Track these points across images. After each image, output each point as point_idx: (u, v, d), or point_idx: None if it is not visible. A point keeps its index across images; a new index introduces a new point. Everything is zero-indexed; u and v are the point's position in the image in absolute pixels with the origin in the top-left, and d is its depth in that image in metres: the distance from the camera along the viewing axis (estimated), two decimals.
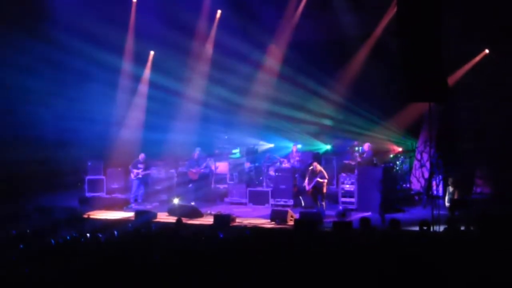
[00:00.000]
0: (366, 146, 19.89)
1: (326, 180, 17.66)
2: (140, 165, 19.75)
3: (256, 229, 15.13)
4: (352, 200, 18.37)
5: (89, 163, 20.96)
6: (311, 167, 17.95)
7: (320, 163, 18.53)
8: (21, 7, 19.55)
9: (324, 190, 17.62)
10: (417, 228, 14.00)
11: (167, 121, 21.76)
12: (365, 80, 20.82)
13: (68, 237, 11.72)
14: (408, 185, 19.94)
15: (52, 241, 11.13)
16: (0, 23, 18.88)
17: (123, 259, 10.03)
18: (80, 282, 9.17)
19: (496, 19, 18.64)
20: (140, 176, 19.70)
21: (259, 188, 19.78)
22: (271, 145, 22.78)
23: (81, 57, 20.33)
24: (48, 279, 9.29)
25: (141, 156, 19.88)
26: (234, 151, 22.53)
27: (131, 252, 10.75)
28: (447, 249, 11.26)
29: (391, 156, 20.35)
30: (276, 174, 19.88)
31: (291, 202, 18.81)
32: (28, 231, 12.92)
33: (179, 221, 14.78)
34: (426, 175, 19.66)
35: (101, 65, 20.49)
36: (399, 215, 16.62)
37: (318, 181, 17.49)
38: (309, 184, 17.69)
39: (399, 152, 20.60)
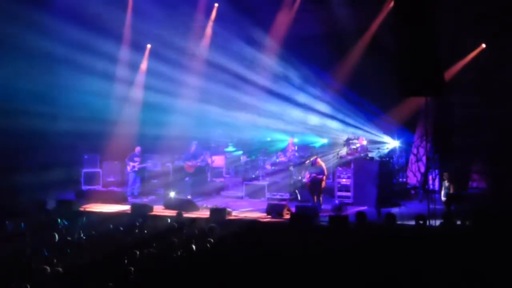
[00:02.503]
0: (361, 139, 19.89)
1: (324, 177, 17.61)
2: (136, 158, 19.72)
3: (252, 223, 15.20)
4: (348, 194, 18.37)
5: (86, 156, 20.96)
6: (308, 161, 17.93)
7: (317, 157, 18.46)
8: None
9: (322, 185, 17.57)
10: (413, 222, 14.07)
11: (164, 114, 21.67)
12: (361, 75, 20.74)
13: None
14: (404, 179, 19.95)
15: None
16: None
17: None
18: None
19: (493, 13, 18.62)
20: (136, 169, 19.68)
21: (256, 182, 19.78)
22: (268, 139, 22.75)
23: (77, 48, 20.23)
24: None
25: (137, 149, 19.86)
26: (230, 147, 22.50)
27: None
28: (442, 243, 11.30)
29: (387, 150, 20.33)
30: (273, 168, 19.89)
31: (287, 196, 18.82)
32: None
33: (179, 214, 14.81)
34: (423, 169, 19.70)
35: (98, 57, 20.40)
36: (395, 209, 16.70)
37: (315, 176, 17.46)
38: (307, 178, 17.66)
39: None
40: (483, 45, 19.40)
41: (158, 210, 17.21)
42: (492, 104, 19.00)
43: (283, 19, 22.00)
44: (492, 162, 18.79)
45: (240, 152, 21.90)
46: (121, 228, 13.04)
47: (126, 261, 10.02)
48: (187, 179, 19.86)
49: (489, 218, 13.71)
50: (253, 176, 20.31)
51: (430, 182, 17.71)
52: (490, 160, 18.87)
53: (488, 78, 19.11)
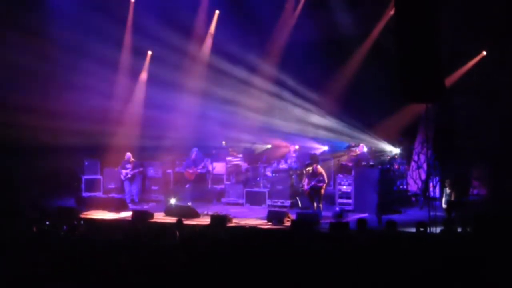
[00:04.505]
0: (362, 147, 19.90)
1: (324, 184, 17.59)
2: (127, 165, 19.66)
3: (253, 230, 15.18)
4: (349, 201, 18.37)
5: (86, 163, 20.93)
6: (309, 168, 17.93)
7: (318, 164, 18.44)
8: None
9: (322, 192, 17.56)
10: (413, 230, 14.05)
11: (165, 120, 21.69)
12: (362, 81, 20.78)
13: None
14: (405, 187, 19.92)
15: None
16: None
17: None
18: None
19: (493, 17, 18.63)
20: (129, 176, 19.63)
21: (256, 189, 19.76)
22: (269, 146, 22.75)
23: (79, 53, 20.27)
24: None
25: (127, 155, 19.77)
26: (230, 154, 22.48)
27: None
28: (443, 250, 11.27)
29: (388, 157, 20.30)
30: (273, 174, 19.89)
31: (288, 203, 18.80)
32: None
33: (179, 221, 14.80)
34: (423, 176, 19.66)
35: (99, 62, 20.44)
36: (395, 217, 16.66)
37: (315, 184, 17.42)
38: (307, 184, 17.64)
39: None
40: (484, 53, 19.41)
41: (159, 217, 17.21)
42: (493, 111, 18.97)
43: (284, 25, 22.03)
44: (493, 169, 18.75)
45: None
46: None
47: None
48: (187, 186, 19.85)
49: (490, 221, 13.69)
50: (254, 183, 20.28)
51: (431, 189, 17.70)
52: (490, 166, 18.82)
53: (488, 84, 19.07)
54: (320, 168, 17.78)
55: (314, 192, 17.52)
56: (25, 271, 9.85)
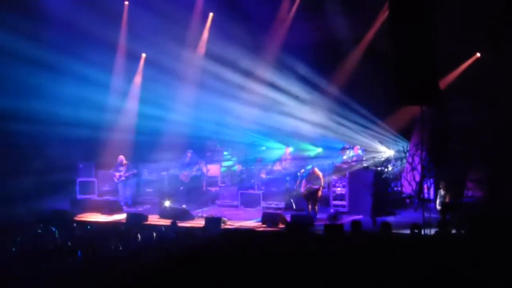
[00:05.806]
0: (356, 149, 19.91)
1: (320, 187, 17.53)
2: (121, 168, 19.66)
3: (247, 232, 15.17)
4: (344, 203, 18.38)
5: (81, 165, 20.90)
6: (303, 170, 17.93)
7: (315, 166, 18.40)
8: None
9: (318, 194, 17.49)
10: (408, 231, 14.06)
11: (160, 122, 21.66)
12: (357, 83, 20.79)
13: None
14: (399, 188, 19.94)
15: None
16: None
17: None
18: None
19: (488, 22, 18.65)
20: (123, 178, 19.62)
21: (251, 191, 19.76)
22: (264, 148, 22.75)
23: (75, 57, 20.24)
24: None
25: (120, 158, 19.78)
26: (226, 157, 22.48)
27: None
28: (437, 252, 11.29)
29: (382, 159, 20.32)
30: (268, 177, 19.89)
31: (282, 204, 18.80)
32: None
33: (174, 223, 14.80)
34: (418, 178, 19.68)
35: (94, 66, 20.41)
36: (390, 218, 16.68)
37: (311, 186, 17.40)
38: (304, 186, 17.62)
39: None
40: (478, 54, 19.44)
41: (153, 219, 17.19)
42: (487, 112, 18.98)
43: (279, 28, 22.04)
44: (487, 170, 18.76)
45: (234, 159, 21.91)
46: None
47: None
48: (182, 188, 19.82)
49: (487, 223, 13.69)
50: (248, 185, 20.26)
51: (425, 191, 17.72)
52: (485, 168, 18.83)
53: (483, 85, 19.07)
54: (317, 171, 17.72)
55: (310, 194, 17.48)
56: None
